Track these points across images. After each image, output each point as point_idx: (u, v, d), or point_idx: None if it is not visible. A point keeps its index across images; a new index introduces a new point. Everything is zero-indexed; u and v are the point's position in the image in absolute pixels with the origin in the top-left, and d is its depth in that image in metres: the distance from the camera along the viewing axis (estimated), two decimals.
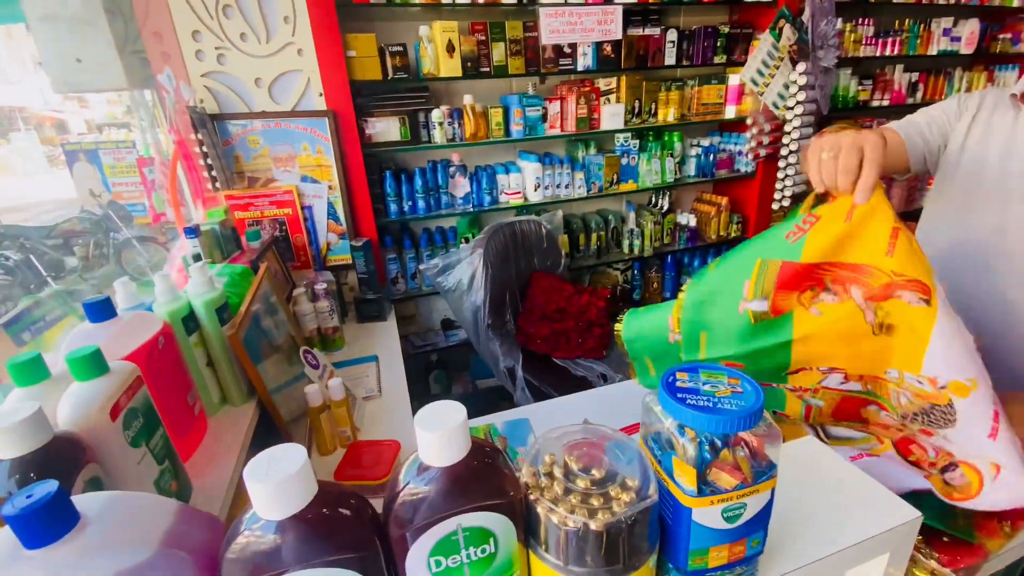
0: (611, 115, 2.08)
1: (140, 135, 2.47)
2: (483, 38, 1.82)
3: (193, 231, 1.19)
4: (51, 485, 0.36)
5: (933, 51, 2.69)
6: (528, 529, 0.48)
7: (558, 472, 0.49)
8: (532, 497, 0.47)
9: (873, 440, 0.77)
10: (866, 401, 0.76)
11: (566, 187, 2.12)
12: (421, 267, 1.77)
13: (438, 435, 0.41)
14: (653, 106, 2.18)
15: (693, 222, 2.52)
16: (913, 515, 0.62)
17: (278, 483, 0.36)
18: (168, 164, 1.47)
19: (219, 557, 0.39)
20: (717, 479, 0.46)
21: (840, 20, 2.31)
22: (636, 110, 2.16)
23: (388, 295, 1.78)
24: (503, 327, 1.74)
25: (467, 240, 1.93)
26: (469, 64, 1.81)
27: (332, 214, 1.74)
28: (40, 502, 0.35)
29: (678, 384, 0.49)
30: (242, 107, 1.59)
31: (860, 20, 2.48)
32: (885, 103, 2.68)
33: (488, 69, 1.85)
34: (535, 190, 2.04)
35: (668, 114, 2.20)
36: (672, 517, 0.48)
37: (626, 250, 2.41)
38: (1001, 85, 3.06)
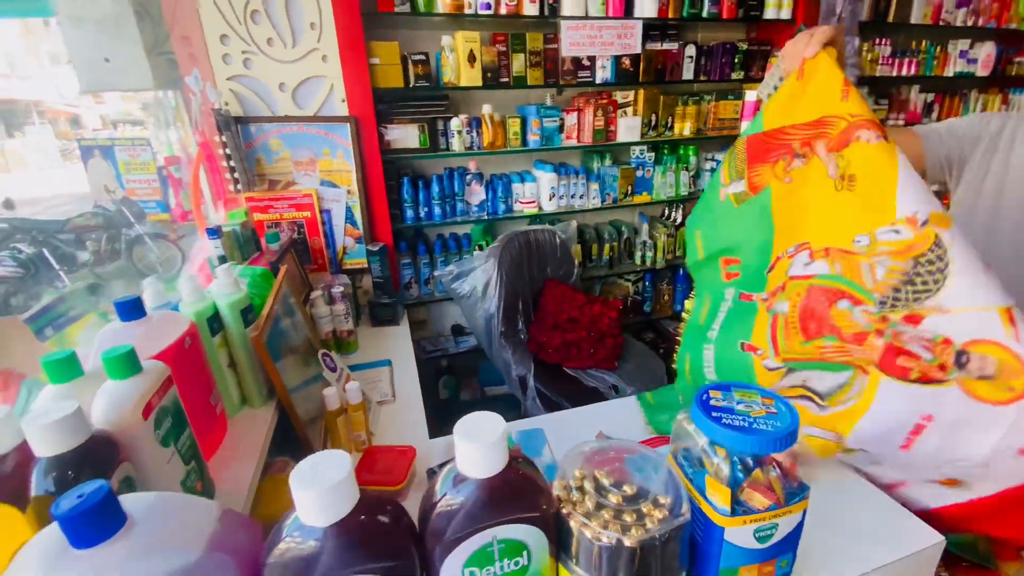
0: (628, 128, 2.09)
1: (156, 133, 2.51)
2: (504, 49, 1.84)
3: (216, 232, 1.20)
4: (99, 485, 0.37)
5: (949, 72, 2.70)
6: (560, 543, 0.48)
7: (589, 486, 0.49)
8: (565, 511, 0.47)
9: (857, 374, 0.64)
10: (836, 295, 0.65)
11: (580, 197, 2.13)
12: (436, 273, 1.78)
13: (478, 447, 0.42)
14: (670, 120, 2.20)
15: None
16: (936, 539, 0.62)
17: (324, 490, 0.37)
18: (193, 163, 1.49)
19: (261, 561, 0.39)
20: (750, 499, 0.46)
21: (858, 39, 2.32)
22: (653, 123, 2.17)
23: (401, 300, 1.79)
24: (515, 335, 1.74)
25: (481, 248, 1.94)
26: (489, 74, 1.83)
27: (350, 218, 1.75)
28: (90, 502, 0.35)
29: (712, 403, 0.50)
30: (266, 111, 1.61)
31: (877, 40, 2.49)
32: (900, 122, 2.68)
33: (507, 79, 1.87)
34: (549, 200, 2.05)
35: (684, 128, 2.21)
36: (703, 535, 0.49)
37: (638, 261, 2.41)
38: (1017, 108, 3.05)
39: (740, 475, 0.47)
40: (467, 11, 1.76)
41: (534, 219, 2.12)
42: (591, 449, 0.53)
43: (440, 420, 1.08)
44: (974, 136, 0.94)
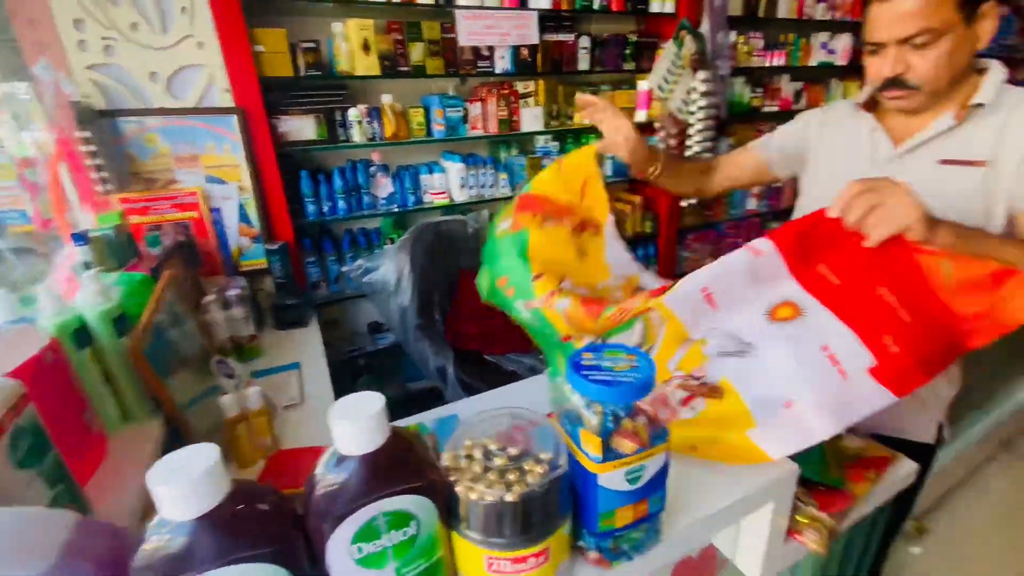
0: (531, 117, 2.14)
1: (11, 133, 2.20)
2: (400, 37, 1.81)
3: (81, 237, 1.09)
4: None
5: (813, 62, 3.02)
6: (450, 510, 0.50)
7: (478, 453, 0.52)
8: (452, 478, 0.50)
9: (645, 317, 0.75)
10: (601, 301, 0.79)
11: (490, 187, 2.16)
12: (344, 269, 1.73)
13: (353, 424, 0.42)
14: (570, 109, 2.28)
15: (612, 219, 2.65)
16: (791, 468, 0.71)
17: (185, 482, 0.36)
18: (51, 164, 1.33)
19: (126, 566, 0.37)
20: (619, 446, 0.51)
21: (734, 33, 2.54)
22: (554, 113, 2.24)
23: (309, 300, 1.72)
24: (432, 327, 1.74)
25: (392, 241, 1.91)
26: (387, 63, 1.80)
27: (244, 216, 1.65)
28: None
29: (583, 363, 0.54)
30: (136, 103, 1.47)
31: (751, 33, 2.73)
32: (775, 109, 2.97)
33: (407, 68, 1.85)
34: (460, 190, 2.06)
35: (585, 118, 2.30)
36: (582, 484, 0.53)
37: None
38: None
39: (610, 426, 0.51)
40: None
41: (446, 210, 2.12)
42: (481, 420, 0.56)
43: None
44: (800, 150, 1.08)
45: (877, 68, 0.86)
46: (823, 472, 0.83)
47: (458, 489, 0.48)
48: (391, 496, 0.45)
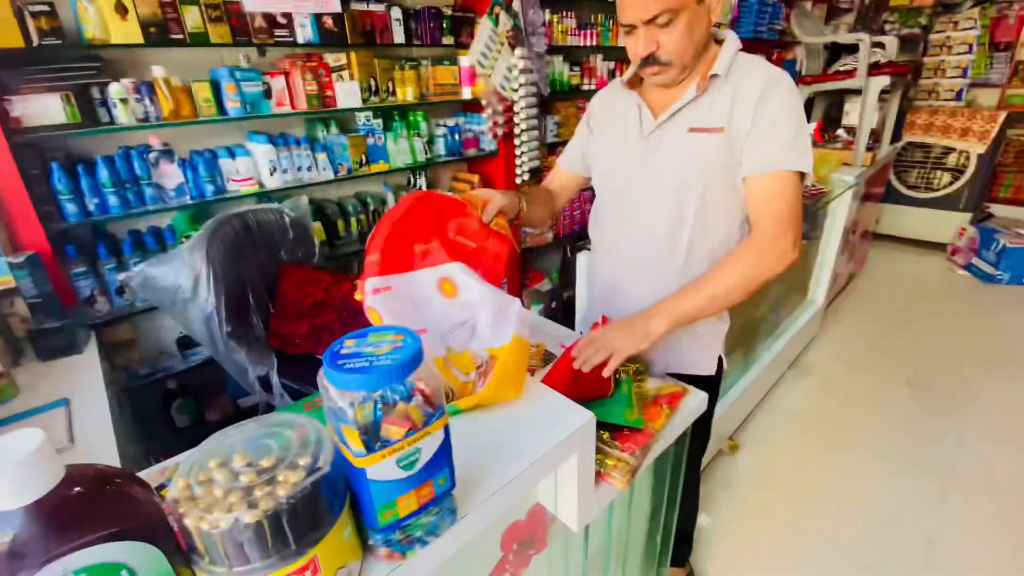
0: (346, 93, 1.99)
1: None
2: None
3: None
4: None
5: (622, 43, 3.28)
6: (187, 547, 0.42)
7: (220, 475, 0.44)
8: (182, 511, 0.41)
9: None
10: None
11: (309, 170, 1.97)
12: (120, 277, 1.44)
13: None
14: (391, 85, 2.17)
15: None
16: (587, 417, 0.75)
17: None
18: None
19: None
20: (388, 433, 0.47)
21: (548, 11, 2.63)
22: (374, 89, 2.11)
23: (82, 320, 1.41)
24: (249, 333, 1.54)
25: (188, 239, 1.64)
26: (153, 30, 1.51)
27: None
28: None
29: (342, 352, 0.49)
30: None
31: (564, 13, 2.87)
32: (593, 87, 3.17)
33: (182, 36, 1.57)
34: (271, 174, 1.85)
35: (407, 93, 2.21)
36: (354, 481, 0.48)
37: None
38: None
39: (380, 413, 0.47)
40: None
41: (260, 198, 1.89)
42: (229, 436, 0.48)
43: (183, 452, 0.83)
44: (590, 141, 1.16)
45: (633, 47, 0.93)
46: (627, 415, 0.89)
47: (187, 522, 0.40)
48: (80, 549, 0.35)
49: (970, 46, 4.46)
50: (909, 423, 2.21)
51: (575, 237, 3.13)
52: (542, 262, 3.42)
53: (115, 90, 1.48)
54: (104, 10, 1.43)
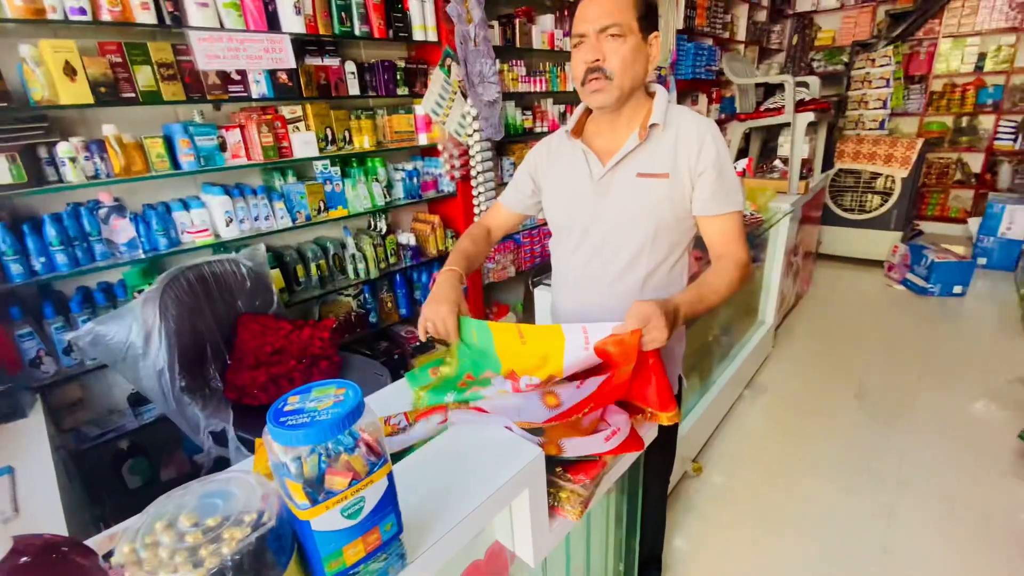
0: (303, 143, 2.04)
1: None
2: (119, 60, 1.56)
3: None
4: None
5: (570, 88, 3.47)
6: None
7: (166, 537, 0.46)
8: (127, 575, 0.43)
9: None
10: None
11: (266, 219, 1.99)
12: (68, 336, 1.41)
13: None
14: (347, 134, 2.23)
15: (414, 240, 2.66)
16: (535, 452, 0.78)
17: None
18: None
19: None
20: (331, 484, 0.50)
21: (498, 61, 2.77)
22: (331, 138, 2.17)
23: (26, 383, 1.37)
24: (204, 387, 1.52)
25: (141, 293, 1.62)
26: (104, 89, 1.53)
27: None
28: None
29: (286, 409, 0.51)
30: None
31: (514, 61, 3.03)
32: (545, 129, 3.33)
33: (134, 95, 1.59)
34: (227, 225, 1.85)
35: (363, 141, 2.27)
36: (301, 533, 0.50)
37: (352, 275, 2.40)
38: None
39: (323, 465, 0.50)
40: (52, 16, 1.42)
41: (216, 249, 1.89)
42: (175, 498, 0.49)
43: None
44: (536, 183, 1.23)
45: (582, 57, 1.00)
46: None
47: None
48: None
49: (887, 80, 4.91)
50: (858, 434, 2.32)
51: (536, 271, 3.20)
52: (506, 296, 3.48)
53: (63, 149, 1.48)
54: (52, 72, 1.45)
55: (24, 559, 0.37)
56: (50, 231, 1.48)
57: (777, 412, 2.56)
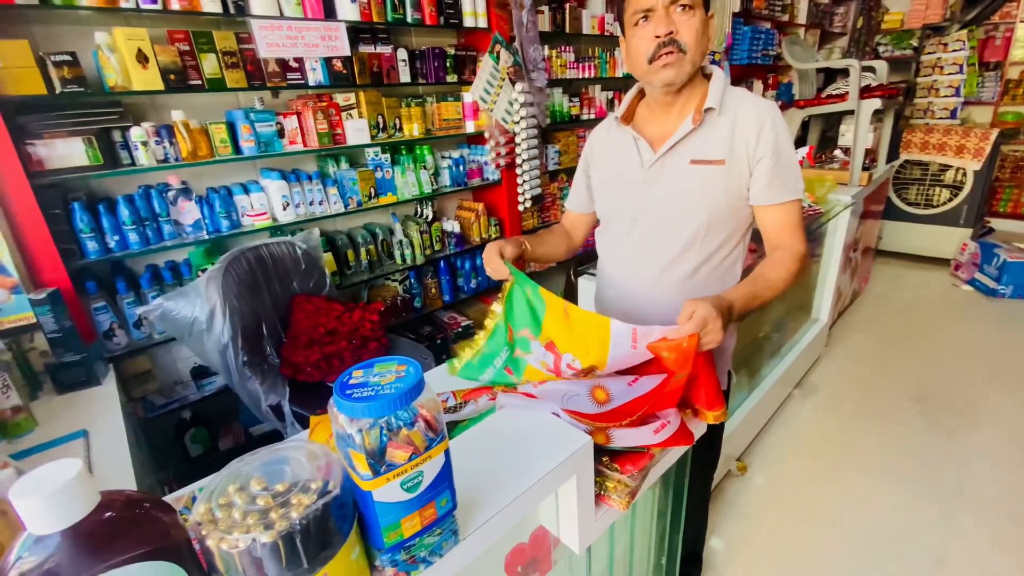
0: (356, 130, 2.08)
1: None
2: (187, 48, 1.63)
3: None
4: None
5: (619, 73, 3.39)
6: (209, 567, 0.46)
7: (239, 499, 0.48)
8: (204, 533, 0.45)
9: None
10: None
11: (320, 204, 2.05)
12: (139, 311, 1.50)
13: (37, 499, 0.36)
14: (397, 121, 2.26)
15: (458, 228, 2.69)
16: (584, 439, 0.78)
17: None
18: None
19: None
20: (392, 457, 0.51)
21: (546, 47, 2.74)
22: (381, 125, 2.20)
23: (100, 353, 1.47)
24: (263, 362, 1.59)
25: (204, 272, 1.71)
26: (173, 76, 1.61)
27: None
28: None
29: (351, 382, 0.53)
30: None
31: (562, 47, 2.98)
32: (592, 116, 3.27)
33: (200, 82, 1.67)
34: (284, 209, 1.92)
35: (413, 129, 2.30)
36: (362, 504, 0.52)
37: (399, 260, 2.45)
38: None
39: (386, 438, 0.51)
40: (124, 4, 1.50)
41: (273, 232, 1.96)
42: (247, 463, 0.52)
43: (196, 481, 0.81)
44: (590, 178, 1.20)
45: (651, 31, 0.93)
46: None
47: (209, 543, 0.44)
48: (113, 568, 0.39)
49: (960, 66, 4.55)
50: (917, 441, 2.20)
51: (577, 261, 3.17)
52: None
53: (136, 134, 1.57)
54: (126, 59, 1.53)
55: (109, 513, 0.40)
56: (123, 211, 1.58)
57: (828, 414, 2.45)
